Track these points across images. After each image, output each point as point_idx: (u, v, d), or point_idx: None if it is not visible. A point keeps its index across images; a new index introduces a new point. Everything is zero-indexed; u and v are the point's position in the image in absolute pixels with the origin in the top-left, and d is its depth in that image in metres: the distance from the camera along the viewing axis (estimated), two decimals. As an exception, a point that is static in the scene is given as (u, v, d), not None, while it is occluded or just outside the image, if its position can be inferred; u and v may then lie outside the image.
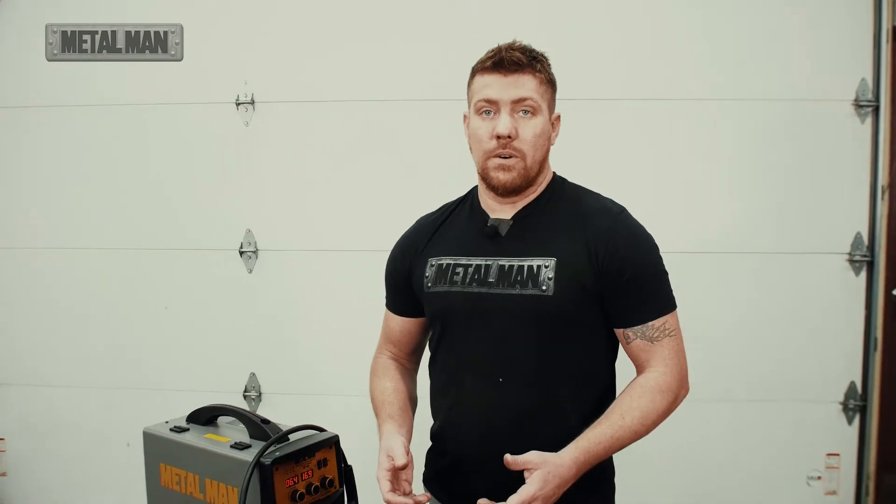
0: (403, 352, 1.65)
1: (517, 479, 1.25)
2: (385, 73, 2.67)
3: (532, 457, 1.25)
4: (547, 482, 1.23)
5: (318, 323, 2.74)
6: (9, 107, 2.81)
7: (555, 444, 1.29)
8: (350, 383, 2.43)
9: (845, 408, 2.62)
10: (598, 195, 1.52)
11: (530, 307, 1.38)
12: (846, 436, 2.63)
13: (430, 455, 1.58)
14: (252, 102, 2.73)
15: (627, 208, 1.48)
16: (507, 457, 1.26)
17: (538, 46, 1.49)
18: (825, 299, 2.61)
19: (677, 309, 1.44)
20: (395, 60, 2.65)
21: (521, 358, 1.40)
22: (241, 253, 2.76)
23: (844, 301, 2.61)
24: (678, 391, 1.41)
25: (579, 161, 2.52)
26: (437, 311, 1.50)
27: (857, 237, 2.58)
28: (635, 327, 1.40)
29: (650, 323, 1.39)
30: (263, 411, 2.76)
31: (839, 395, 2.62)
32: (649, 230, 1.47)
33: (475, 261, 1.45)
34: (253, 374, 2.79)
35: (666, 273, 1.45)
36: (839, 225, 2.60)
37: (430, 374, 1.58)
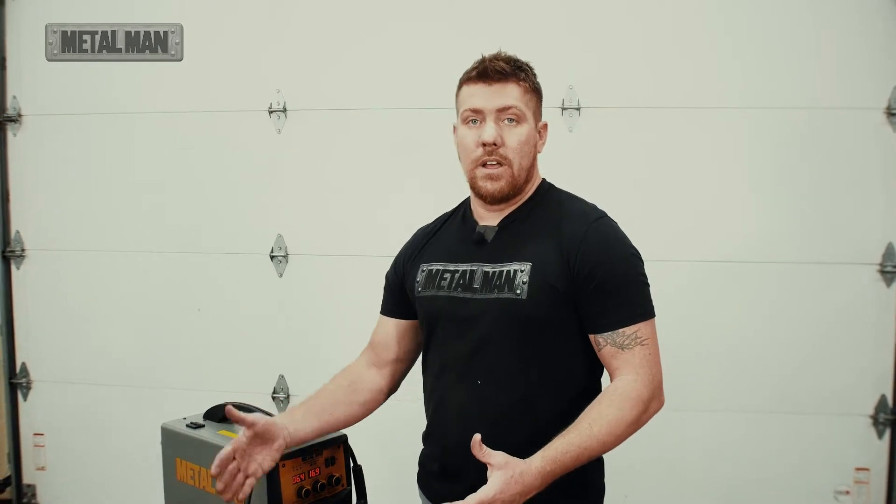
0: (380, 358, 1.66)
1: None
2: (411, 82, 2.71)
3: (498, 457, 1.22)
4: (508, 486, 1.20)
5: (346, 327, 2.74)
6: (61, 114, 2.92)
7: (531, 447, 1.28)
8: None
9: (875, 421, 2.57)
10: (581, 201, 1.53)
11: (506, 310, 1.40)
12: (876, 450, 2.57)
13: (422, 458, 1.61)
14: (284, 110, 2.79)
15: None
16: (477, 439, 1.22)
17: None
18: (855, 311, 2.56)
19: (655, 318, 1.42)
20: (421, 69, 2.69)
21: (498, 361, 1.42)
22: (272, 257, 2.82)
23: (875, 313, 2.56)
24: (649, 401, 1.36)
25: (601, 168, 2.56)
26: (425, 315, 1.54)
27: (889, 248, 2.53)
28: (605, 333, 1.39)
29: (620, 330, 1.38)
30: (291, 413, 2.82)
31: (869, 408, 2.57)
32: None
33: (462, 267, 1.49)
34: (282, 377, 2.85)
35: (643, 282, 1.44)
36: (870, 235, 2.55)
37: (423, 378, 1.61)
